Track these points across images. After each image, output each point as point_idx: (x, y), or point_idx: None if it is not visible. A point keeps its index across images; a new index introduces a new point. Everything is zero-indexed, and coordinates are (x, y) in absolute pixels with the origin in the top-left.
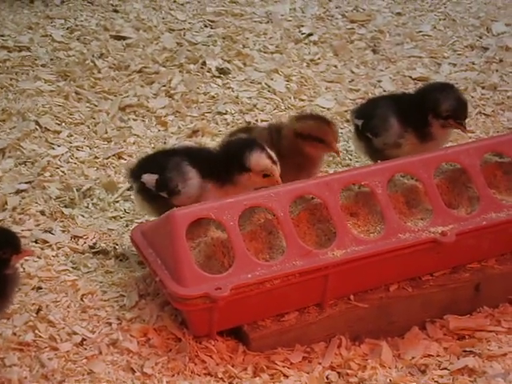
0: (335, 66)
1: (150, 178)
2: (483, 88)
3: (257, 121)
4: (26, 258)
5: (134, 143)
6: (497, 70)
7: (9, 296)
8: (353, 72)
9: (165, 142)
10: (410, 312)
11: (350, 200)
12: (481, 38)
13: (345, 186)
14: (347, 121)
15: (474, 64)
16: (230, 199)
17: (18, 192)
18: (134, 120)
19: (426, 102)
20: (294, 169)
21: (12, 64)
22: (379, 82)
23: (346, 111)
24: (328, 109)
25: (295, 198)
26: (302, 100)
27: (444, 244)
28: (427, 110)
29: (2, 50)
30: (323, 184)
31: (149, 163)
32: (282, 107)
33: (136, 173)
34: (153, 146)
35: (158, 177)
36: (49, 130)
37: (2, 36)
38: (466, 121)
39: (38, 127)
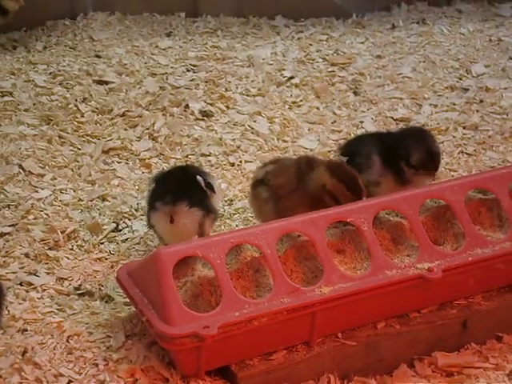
0: (317, 108)
1: None
2: (464, 128)
3: (241, 162)
4: (11, 300)
5: (118, 185)
6: (477, 111)
7: None
8: (335, 113)
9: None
10: (397, 349)
11: (337, 237)
12: (461, 79)
13: (331, 223)
14: None
15: (454, 105)
16: (217, 237)
17: (1, 235)
18: (118, 163)
19: (399, 149)
20: (308, 203)
21: None
22: (361, 122)
23: (329, 151)
24: (311, 149)
25: (282, 235)
26: (285, 141)
27: (431, 280)
28: (399, 157)
29: None
30: (309, 221)
31: None
32: (266, 148)
33: None
34: (137, 187)
35: None
36: (32, 173)
37: None
38: (439, 171)
39: (21, 171)
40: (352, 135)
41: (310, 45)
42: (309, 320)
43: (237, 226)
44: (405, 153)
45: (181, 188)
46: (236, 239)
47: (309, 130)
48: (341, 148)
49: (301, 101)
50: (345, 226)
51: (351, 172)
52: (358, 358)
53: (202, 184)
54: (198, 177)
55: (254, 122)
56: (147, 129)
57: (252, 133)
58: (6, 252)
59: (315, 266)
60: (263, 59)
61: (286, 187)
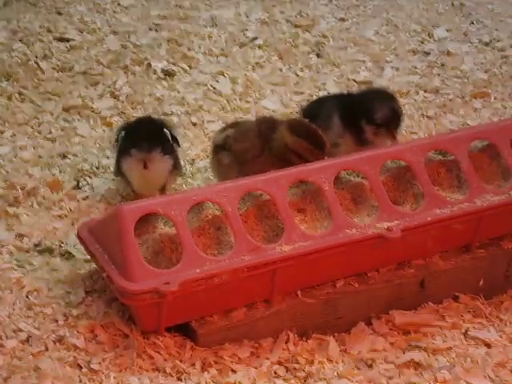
0: (280, 70)
1: None
2: (425, 91)
3: (203, 122)
4: None
5: (78, 143)
6: (439, 74)
7: None
8: (297, 75)
9: (110, 142)
10: (356, 307)
11: (298, 196)
12: (422, 42)
13: (292, 182)
14: None
15: (416, 68)
16: (178, 195)
17: None
18: (79, 121)
19: (361, 107)
20: (276, 166)
21: None
22: (323, 84)
23: (291, 113)
24: (273, 110)
25: (243, 193)
26: (248, 102)
27: (390, 239)
28: (361, 115)
29: None
30: (271, 180)
31: None
32: (228, 109)
33: None
34: (98, 145)
35: None
36: None
37: None
38: (399, 130)
39: None
40: (314, 97)
41: (274, 6)
42: (269, 278)
43: (198, 185)
44: (367, 111)
45: (153, 137)
46: (198, 197)
47: (271, 91)
48: (302, 109)
49: (264, 62)
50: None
51: (311, 127)
52: (317, 315)
53: (169, 137)
54: (165, 130)
55: (217, 82)
56: (108, 87)
57: (214, 93)
58: None
59: (276, 225)
60: (226, 19)
61: (250, 152)
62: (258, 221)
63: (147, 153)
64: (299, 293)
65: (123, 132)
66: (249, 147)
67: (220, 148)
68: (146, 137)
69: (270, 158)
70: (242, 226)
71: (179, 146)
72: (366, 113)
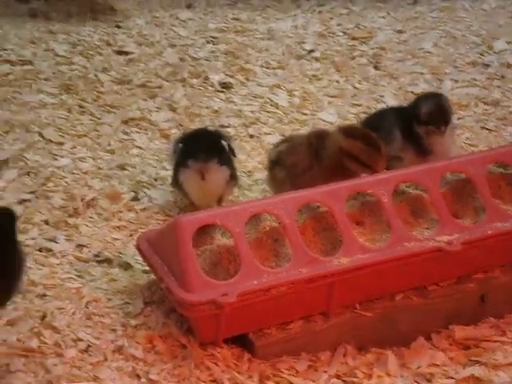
0: (337, 82)
1: None
2: (485, 103)
3: (260, 134)
4: (30, 266)
5: (137, 155)
6: (498, 87)
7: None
8: (355, 87)
9: (168, 154)
10: (415, 322)
11: (356, 209)
12: (482, 55)
13: (351, 194)
14: None
15: (475, 80)
16: (236, 206)
17: (21, 202)
18: (137, 133)
19: (412, 110)
20: (330, 178)
21: (15, 77)
22: (381, 97)
23: None
24: (330, 123)
25: (301, 205)
26: (305, 114)
27: (450, 253)
28: (412, 118)
29: (4, 63)
30: (329, 192)
31: None
32: (285, 121)
33: None
34: (156, 157)
35: None
36: (52, 141)
37: (5, 50)
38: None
39: (41, 138)
40: (372, 110)
41: (331, 18)
42: (327, 290)
43: (255, 197)
44: (415, 111)
45: (210, 148)
46: (255, 208)
47: (328, 103)
48: (361, 122)
49: (321, 74)
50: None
51: (365, 130)
52: (375, 329)
53: (226, 148)
54: (223, 141)
55: (274, 94)
56: (166, 100)
57: (271, 105)
58: (26, 218)
59: (334, 237)
60: (283, 32)
61: (301, 164)
62: (316, 233)
63: (204, 163)
64: (357, 306)
65: (180, 143)
66: (299, 160)
67: (274, 163)
68: (203, 147)
69: (321, 170)
70: (300, 238)
71: (235, 156)
72: (415, 114)
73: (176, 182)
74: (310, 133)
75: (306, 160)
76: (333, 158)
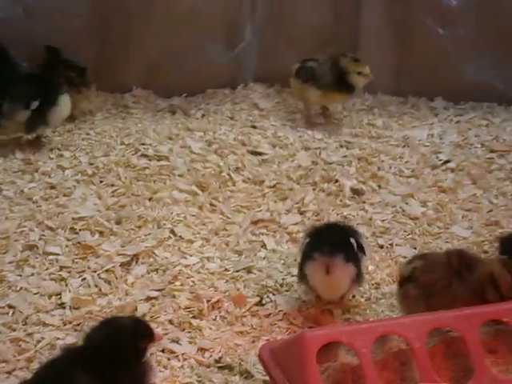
0: (473, 195)
1: None
2: None
3: (390, 245)
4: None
5: (264, 258)
6: None
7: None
8: (491, 202)
9: (295, 260)
10: None
11: (489, 336)
12: None
13: (485, 321)
14: (485, 252)
15: None
16: (364, 324)
17: (148, 299)
18: (266, 235)
19: None
20: (470, 302)
21: (151, 172)
22: None
23: (482, 241)
24: (464, 238)
25: (432, 328)
26: (438, 227)
27: None
28: None
29: (142, 158)
30: (462, 317)
31: None
32: (417, 232)
33: None
34: (283, 262)
35: None
36: (182, 238)
37: (144, 145)
38: None
39: (172, 235)
40: (510, 228)
41: (469, 129)
42: None
43: (382, 311)
44: None
45: (337, 242)
46: (384, 328)
47: (463, 217)
48: (501, 242)
49: (456, 186)
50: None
51: None
52: None
53: (355, 246)
54: (352, 239)
55: (406, 204)
56: (297, 203)
57: (403, 215)
58: (151, 317)
59: (465, 365)
60: (419, 140)
61: (439, 284)
62: (446, 358)
63: (330, 258)
64: None
65: (309, 237)
66: (437, 279)
67: (407, 280)
68: (330, 241)
69: (460, 291)
70: (429, 363)
71: (365, 254)
72: None
73: (301, 275)
74: (449, 252)
75: (444, 280)
76: (477, 282)
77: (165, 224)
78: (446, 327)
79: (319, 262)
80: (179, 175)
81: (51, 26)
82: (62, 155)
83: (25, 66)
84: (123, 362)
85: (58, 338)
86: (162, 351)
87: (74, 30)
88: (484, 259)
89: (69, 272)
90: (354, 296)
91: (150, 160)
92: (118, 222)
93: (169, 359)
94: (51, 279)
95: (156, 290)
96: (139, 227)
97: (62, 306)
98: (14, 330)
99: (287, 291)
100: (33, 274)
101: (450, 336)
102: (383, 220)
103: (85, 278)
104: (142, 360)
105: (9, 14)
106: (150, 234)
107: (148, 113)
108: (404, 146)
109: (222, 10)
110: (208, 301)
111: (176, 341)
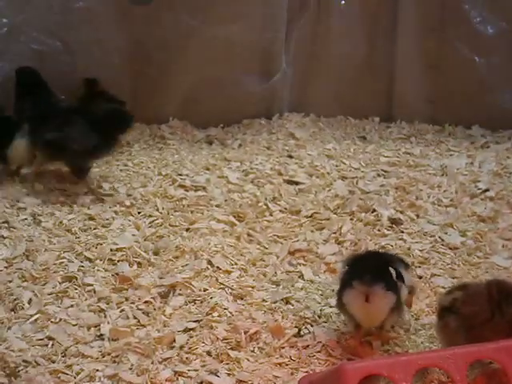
0: None
1: None
2: None
3: (429, 275)
4: None
5: (301, 288)
6: None
7: None
8: None
9: (333, 290)
10: None
11: None
12: None
13: None
14: None
15: None
16: (404, 357)
17: (186, 330)
18: (303, 265)
19: None
20: (507, 333)
21: (188, 202)
22: None
23: None
24: (504, 267)
25: (472, 361)
26: (478, 257)
27: None
28: None
29: (179, 188)
30: (503, 349)
31: None
32: (456, 262)
33: None
34: (321, 293)
35: None
36: (220, 269)
37: (181, 175)
38: None
39: (209, 266)
40: None
41: (508, 157)
42: None
43: (422, 342)
44: None
45: (377, 271)
46: (424, 361)
47: (503, 246)
48: None
49: (495, 215)
50: None
51: None
52: None
53: (394, 275)
54: (391, 268)
55: (445, 233)
56: (334, 233)
57: (442, 245)
58: (189, 348)
59: None
60: (457, 169)
61: (479, 316)
62: None
63: (369, 286)
64: None
65: (347, 265)
66: (478, 311)
67: (447, 311)
68: (369, 270)
69: (502, 324)
70: None
71: (404, 283)
72: None
73: (340, 303)
74: (489, 282)
75: (485, 312)
76: None
77: (202, 255)
78: (486, 359)
79: (358, 290)
80: (216, 205)
81: (90, 60)
82: (100, 186)
83: (63, 98)
84: None
85: (97, 370)
86: (201, 383)
87: (112, 63)
88: None
89: (107, 303)
90: (393, 327)
91: (187, 190)
92: (156, 253)
93: None
94: (90, 311)
95: (194, 321)
96: (177, 258)
97: (100, 337)
98: (54, 362)
99: (325, 322)
100: (72, 306)
101: (492, 368)
102: (422, 250)
103: (123, 310)
104: None
105: (47, 47)
106: (187, 264)
107: (185, 143)
108: (442, 175)
109: (257, 41)
110: (246, 332)
111: (214, 373)
